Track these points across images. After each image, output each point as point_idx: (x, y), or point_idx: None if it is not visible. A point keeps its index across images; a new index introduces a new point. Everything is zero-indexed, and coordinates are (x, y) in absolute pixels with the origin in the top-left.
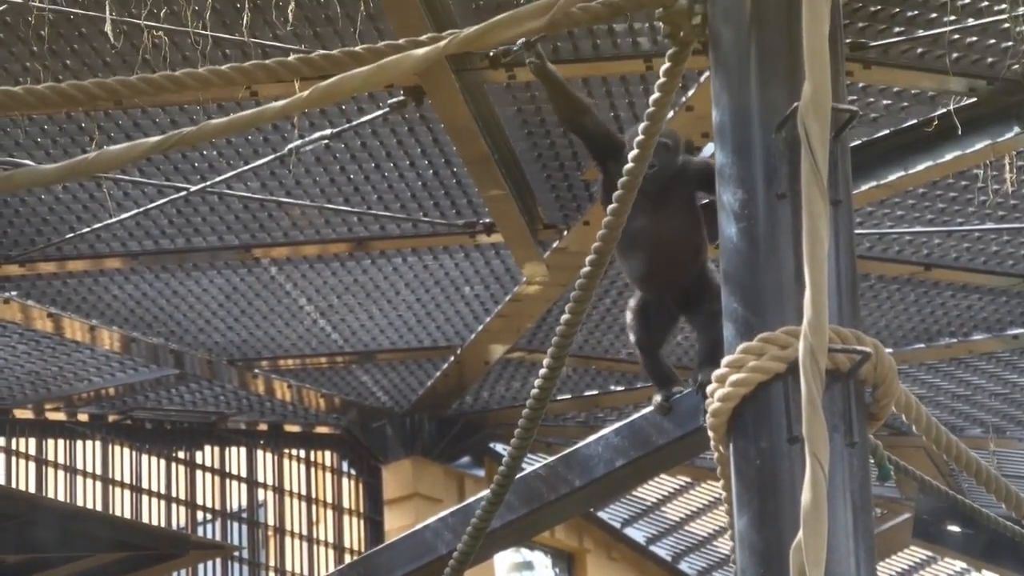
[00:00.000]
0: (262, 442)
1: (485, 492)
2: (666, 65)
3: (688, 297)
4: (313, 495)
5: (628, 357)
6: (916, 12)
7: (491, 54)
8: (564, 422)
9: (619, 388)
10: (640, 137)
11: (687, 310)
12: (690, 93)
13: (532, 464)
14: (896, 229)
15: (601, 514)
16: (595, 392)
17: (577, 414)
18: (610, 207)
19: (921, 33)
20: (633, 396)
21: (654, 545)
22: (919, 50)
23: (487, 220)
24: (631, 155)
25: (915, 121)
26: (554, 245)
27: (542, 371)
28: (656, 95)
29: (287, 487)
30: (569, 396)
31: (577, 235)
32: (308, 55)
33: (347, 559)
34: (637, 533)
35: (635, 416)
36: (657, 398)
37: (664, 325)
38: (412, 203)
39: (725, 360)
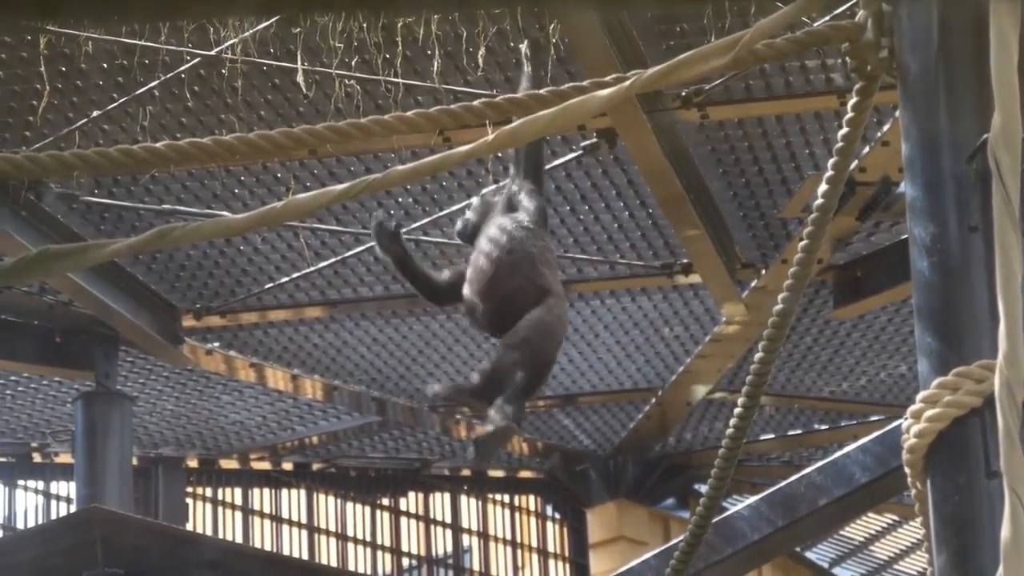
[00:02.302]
0: (466, 488)
1: (686, 534)
2: (854, 99)
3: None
4: (518, 540)
5: (831, 395)
6: None
7: (683, 93)
8: (768, 462)
9: (823, 427)
10: (830, 173)
11: None
12: (885, 128)
13: (736, 505)
14: None
15: (809, 554)
16: (799, 431)
17: (781, 454)
18: (802, 244)
19: None
20: (837, 435)
21: None
22: None
23: (684, 260)
24: (822, 191)
25: None
26: (752, 284)
27: (737, 410)
28: (845, 130)
29: (492, 532)
30: (772, 436)
31: (776, 274)
32: (493, 99)
33: None
34: (845, 573)
35: (837, 454)
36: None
37: None
38: (608, 245)
39: (920, 395)
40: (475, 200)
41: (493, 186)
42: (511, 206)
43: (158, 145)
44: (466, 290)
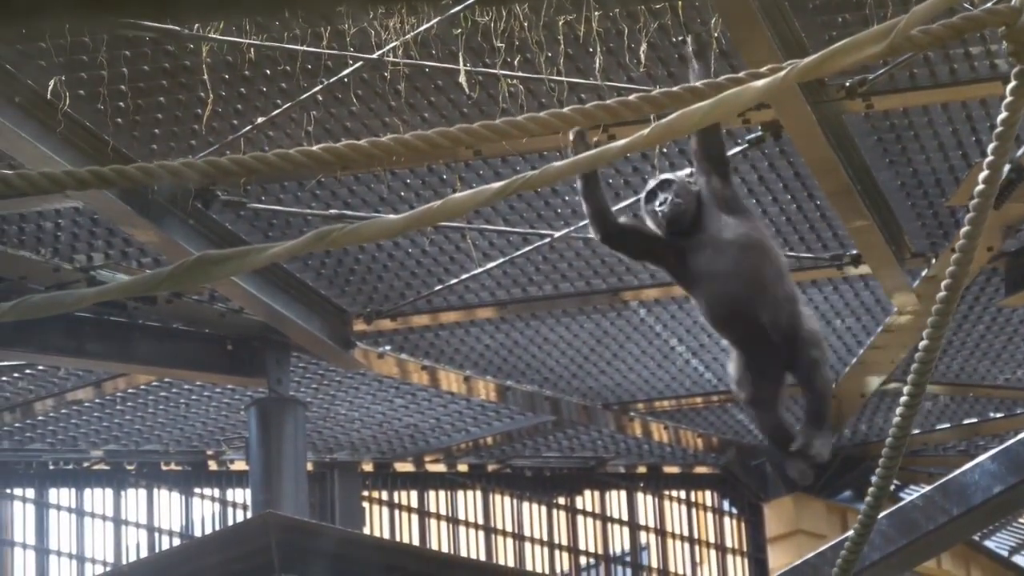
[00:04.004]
0: (642, 485)
1: (855, 525)
2: (1012, 83)
3: (780, 343)
4: (695, 536)
5: (1006, 383)
6: None
7: (847, 84)
8: (944, 451)
9: (998, 415)
10: (990, 159)
11: (786, 360)
12: None
13: (912, 495)
14: None
15: (988, 543)
16: (974, 420)
17: (957, 443)
18: (963, 231)
19: None
20: (1013, 423)
21: None
22: None
23: (854, 251)
24: (982, 177)
25: None
26: (923, 274)
27: (903, 399)
28: (1004, 114)
29: (669, 529)
30: (948, 425)
31: (946, 263)
32: (649, 93)
33: None
34: None
35: (1011, 441)
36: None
37: (772, 376)
38: (777, 238)
39: None
40: (666, 182)
41: (682, 172)
42: (731, 207)
43: (315, 148)
44: (721, 294)
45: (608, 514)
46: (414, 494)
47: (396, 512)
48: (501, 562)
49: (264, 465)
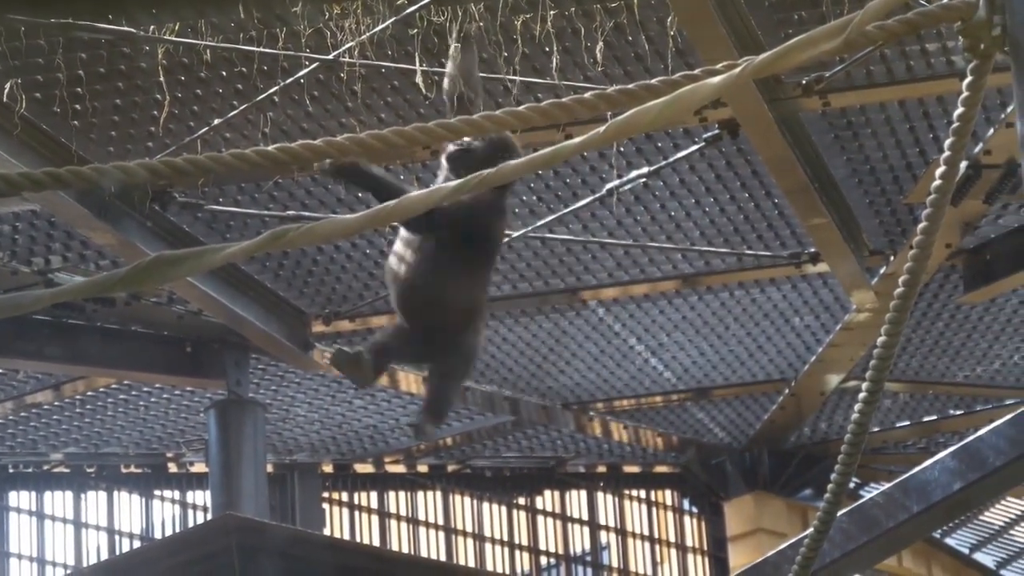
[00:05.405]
0: (602, 484)
1: (814, 522)
2: (968, 79)
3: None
4: (656, 535)
5: (965, 380)
6: None
7: (804, 81)
8: (904, 449)
9: (958, 412)
10: (947, 154)
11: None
12: (1009, 109)
13: (872, 492)
14: None
15: (949, 540)
16: (934, 417)
17: (917, 440)
18: (921, 226)
19: None
20: (973, 420)
21: (1005, 569)
22: None
23: (812, 250)
24: (939, 172)
25: None
26: (881, 271)
27: (861, 395)
28: (960, 110)
29: (629, 528)
30: (908, 422)
31: (904, 260)
32: (604, 91)
33: None
34: (986, 558)
35: (970, 438)
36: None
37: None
38: (735, 237)
39: None
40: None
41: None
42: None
43: (270, 148)
44: None
45: (568, 514)
46: (374, 495)
47: (356, 513)
48: (461, 562)
49: (224, 467)
